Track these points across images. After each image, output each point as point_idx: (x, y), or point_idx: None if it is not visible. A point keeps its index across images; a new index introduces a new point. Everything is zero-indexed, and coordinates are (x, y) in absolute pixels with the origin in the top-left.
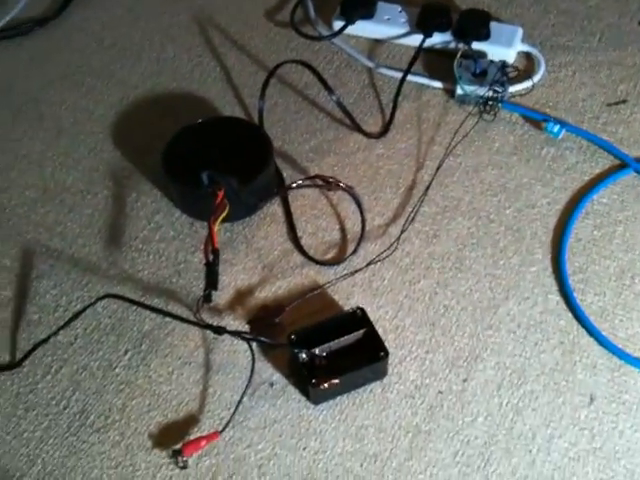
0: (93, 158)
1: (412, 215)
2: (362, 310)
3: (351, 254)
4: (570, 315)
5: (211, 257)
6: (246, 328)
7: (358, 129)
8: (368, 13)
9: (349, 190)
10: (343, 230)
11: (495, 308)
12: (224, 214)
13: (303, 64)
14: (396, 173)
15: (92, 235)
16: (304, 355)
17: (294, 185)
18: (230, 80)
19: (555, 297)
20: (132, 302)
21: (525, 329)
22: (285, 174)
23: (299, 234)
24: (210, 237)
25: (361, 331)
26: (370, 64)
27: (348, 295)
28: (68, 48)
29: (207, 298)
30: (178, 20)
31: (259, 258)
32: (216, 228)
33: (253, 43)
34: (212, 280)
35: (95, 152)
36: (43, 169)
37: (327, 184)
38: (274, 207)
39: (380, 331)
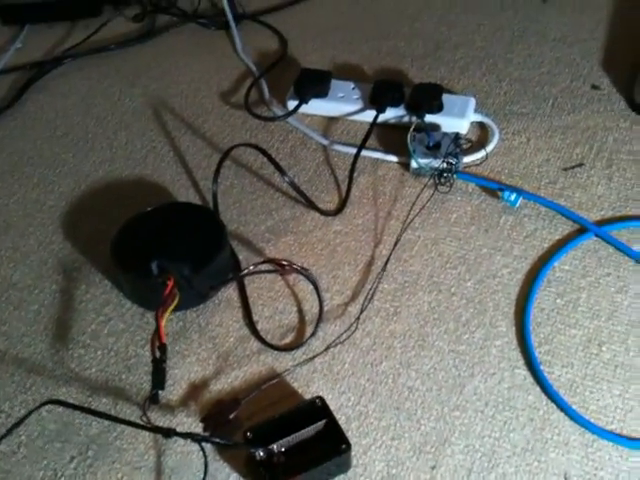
0: (42, 251)
1: (371, 293)
2: (321, 399)
3: (309, 337)
4: (538, 389)
5: (158, 353)
6: (200, 427)
7: (314, 207)
8: (322, 91)
9: (304, 272)
10: (301, 312)
11: (461, 387)
12: (174, 304)
13: (254, 147)
14: (354, 250)
15: (38, 333)
16: (261, 453)
17: (246, 271)
18: (184, 164)
19: (522, 371)
20: (75, 407)
21: (493, 407)
22: (241, 256)
23: (255, 319)
24: (157, 331)
25: (321, 422)
26: (325, 141)
27: (308, 382)
28: (21, 138)
29: (154, 399)
30: (132, 106)
31: (214, 347)
32: (164, 321)
33: (207, 126)
34: (159, 379)
35: (45, 245)
36: None
37: (282, 268)
38: (229, 292)
39: (342, 419)
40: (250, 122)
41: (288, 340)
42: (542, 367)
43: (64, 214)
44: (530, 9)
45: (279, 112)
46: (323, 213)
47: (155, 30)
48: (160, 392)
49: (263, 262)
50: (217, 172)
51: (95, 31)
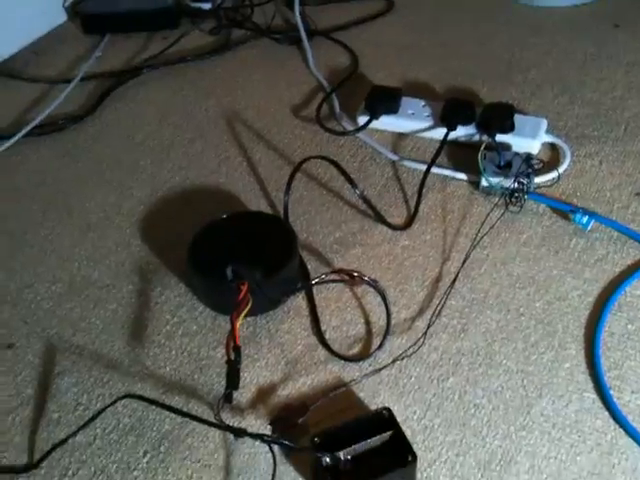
0: (120, 253)
1: (439, 308)
2: (388, 410)
3: (376, 349)
4: (607, 414)
5: (233, 355)
6: (268, 429)
7: (382, 221)
8: (392, 108)
9: (373, 284)
10: (368, 324)
11: (528, 407)
12: (247, 309)
13: (327, 160)
14: (421, 265)
15: (115, 331)
16: (328, 459)
17: (317, 280)
18: (256, 174)
19: (591, 395)
20: (151, 402)
21: (560, 430)
22: (310, 266)
23: (323, 328)
24: (232, 334)
25: (388, 433)
26: (394, 157)
27: (374, 393)
28: (100, 144)
29: (228, 398)
30: (207, 116)
31: (282, 353)
32: (239, 324)
33: (279, 138)
34: (233, 380)
35: (122, 247)
36: (70, 264)
37: (351, 278)
38: (298, 300)
39: (408, 432)
40: (320, 136)
41: (355, 351)
42: (611, 392)
43: (141, 218)
44: (602, 32)
45: (349, 127)
46: (392, 227)
47: (230, 44)
48: (233, 392)
49: (332, 272)
50: (289, 183)
51: (173, 43)
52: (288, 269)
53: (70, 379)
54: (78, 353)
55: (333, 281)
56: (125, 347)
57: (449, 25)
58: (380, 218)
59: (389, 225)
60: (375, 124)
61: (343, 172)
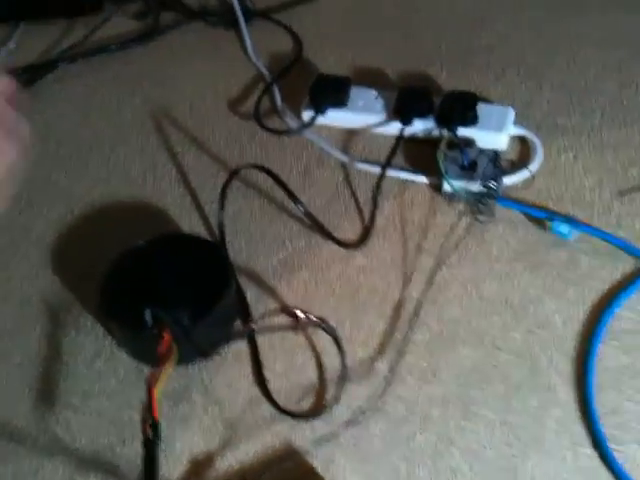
0: (26, 288)
1: (402, 345)
2: None
3: (332, 404)
4: (609, 474)
5: (150, 433)
6: None
7: (332, 239)
8: (340, 100)
9: (322, 325)
10: (320, 367)
11: (514, 471)
12: (171, 364)
13: (262, 169)
14: (380, 290)
15: (20, 391)
16: None
17: (254, 326)
18: (187, 184)
19: (586, 450)
20: None
21: None
22: (250, 295)
23: (268, 377)
24: (149, 406)
25: None
26: (344, 158)
27: (329, 460)
28: None
29: None
30: (131, 116)
31: (220, 412)
32: (158, 389)
33: (214, 140)
34: (151, 472)
35: (29, 280)
36: None
37: (295, 319)
38: (237, 342)
39: None
40: (261, 135)
41: (306, 404)
42: (610, 445)
43: (52, 244)
44: (571, 7)
45: (293, 124)
46: (343, 245)
47: (159, 29)
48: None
49: (274, 313)
50: (222, 197)
51: (93, 29)
52: (222, 307)
53: None
54: None
55: (274, 329)
56: (32, 412)
57: (403, 3)
58: (329, 236)
59: (340, 243)
60: (322, 120)
61: (282, 185)
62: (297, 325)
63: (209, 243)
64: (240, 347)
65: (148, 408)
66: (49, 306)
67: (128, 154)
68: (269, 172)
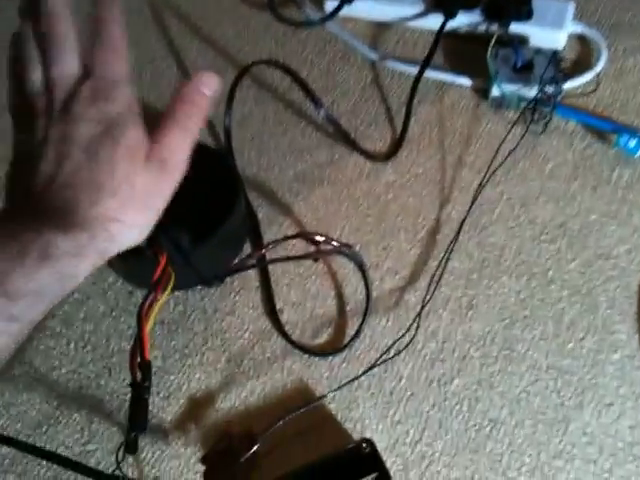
0: None
1: (437, 274)
2: (370, 444)
3: (352, 338)
4: None
5: (139, 375)
6: (199, 470)
7: (359, 150)
8: None
9: (345, 251)
10: (341, 297)
11: (565, 422)
12: (167, 291)
13: (278, 66)
14: (412, 210)
15: None
16: None
17: (265, 251)
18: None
19: None
20: (23, 449)
21: (610, 456)
22: (261, 215)
23: (279, 306)
24: (139, 342)
25: (370, 477)
26: (374, 56)
27: (350, 404)
28: None
29: (131, 447)
30: (126, 2)
31: (223, 345)
32: (150, 323)
33: (220, 31)
34: (139, 416)
35: None
36: None
37: (315, 245)
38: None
39: (397, 464)
40: (276, 27)
41: (323, 339)
42: None
43: None
44: None
45: (313, 14)
46: (371, 157)
47: None
48: (140, 433)
49: (289, 238)
50: (230, 99)
51: None
52: (229, 228)
53: None
54: None
55: (292, 258)
56: None
57: None
58: (355, 146)
59: (367, 155)
60: (348, 10)
61: (301, 84)
62: (316, 252)
63: (213, 151)
64: (249, 273)
65: (138, 345)
66: None
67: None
68: (286, 69)
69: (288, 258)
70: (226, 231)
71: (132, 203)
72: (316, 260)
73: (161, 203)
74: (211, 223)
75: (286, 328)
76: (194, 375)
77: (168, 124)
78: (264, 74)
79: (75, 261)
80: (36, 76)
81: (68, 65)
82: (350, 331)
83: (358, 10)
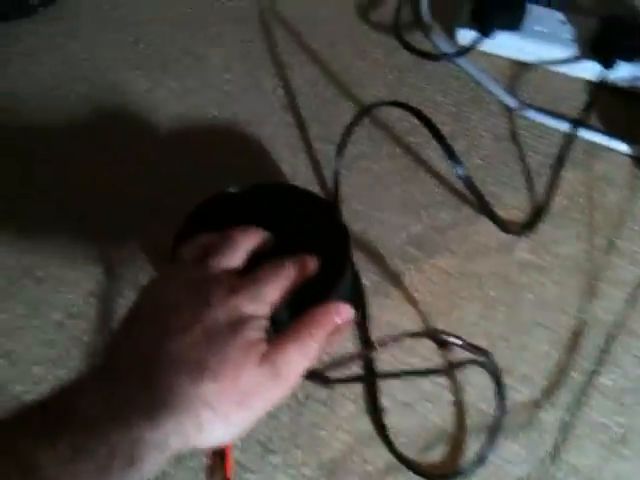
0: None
1: (581, 391)
2: None
3: (474, 464)
4: None
5: None
6: None
7: (491, 216)
8: (512, 21)
9: (482, 360)
10: (461, 406)
11: None
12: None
13: (413, 112)
14: (552, 300)
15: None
16: None
17: (374, 350)
18: (296, 110)
19: None
20: None
21: None
22: (365, 279)
23: (384, 404)
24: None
25: None
26: (511, 102)
27: None
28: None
29: None
30: (234, 9)
31: (313, 445)
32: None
33: (334, 54)
34: None
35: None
36: None
37: (442, 347)
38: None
39: None
40: (398, 55)
41: (436, 456)
42: None
43: (113, 177)
44: None
45: (444, 45)
46: (504, 227)
47: None
48: None
49: (413, 335)
50: (344, 142)
51: None
52: (334, 298)
53: None
54: None
55: (412, 373)
56: None
57: None
58: (487, 211)
59: (500, 224)
60: (484, 44)
61: (436, 133)
62: (448, 366)
63: (320, 200)
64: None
65: (219, 463)
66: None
67: (225, 59)
68: (423, 117)
69: (410, 373)
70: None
71: (231, 395)
72: (447, 375)
73: (260, 408)
74: (314, 292)
75: (390, 434)
76: (277, 477)
77: (290, 336)
78: (381, 111)
79: (158, 456)
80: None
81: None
82: (470, 451)
83: (497, 45)
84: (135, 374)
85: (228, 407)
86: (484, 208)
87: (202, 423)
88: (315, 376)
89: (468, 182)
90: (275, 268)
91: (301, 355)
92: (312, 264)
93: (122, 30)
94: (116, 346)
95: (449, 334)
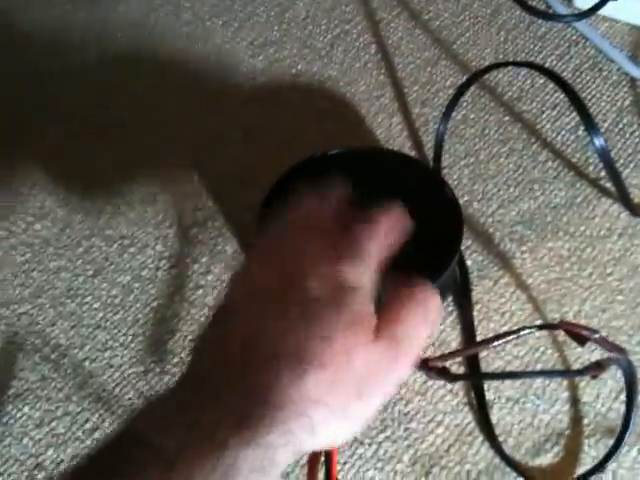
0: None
1: None
2: None
3: (591, 472)
4: None
5: None
6: None
7: (621, 196)
8: None
9: (617, 358)
10: (577, 404)
11: None
12: None
13: (545, 72)
14: None
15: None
16: None
17: (500, 341)
18: (392, 71)
19: None
20: None
21: None
22: (470, 261)
23: (489, 397)
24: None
25: None
26: (637, 72)
27: None
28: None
29: None
30: None
31: (407, 438)
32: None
33: (436, 10)
34: None
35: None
36: None
37: (580, 340)
38: (445, 336)
39: None
40: (506, 13)
41: (547, 460)
42: None
43: (193, 143)
44: None
45: (558, 6)
46: (631, 209)
47: None
48: None
49: (543, 327)
50: (450, 107)
51: None
52: (442, 281)
53: None
54: None
55: (547, 374)
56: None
57: None
58: (623, 194)
59: (628, 204)
60: (607, 8)
61: (574, 98)
62: (595, 368)
63: (423, 167)
64: (449, 340)
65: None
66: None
67: (312, 11)
68: (558, 78)
69: (537, 373)
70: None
71: (345, 385)
72: (594, 377)
73: (382, 394)
74: (419, 269)
75: (497, 431)
76: (366, 471)
77: (404, 299)
78: (489, 75)
79: (260, 477)
80: None
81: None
82: (587, 456)
83: (620, 9)
84: (223, 384)
85: (344, 399)
86: (618, 187)
87: (314, 425)
88: (432, 368)
89: (606, 157)
90: (373, 223)
91: (422, 322)
92: (406, 218)
93: None
94: (201, 350)
95: (582, 327)
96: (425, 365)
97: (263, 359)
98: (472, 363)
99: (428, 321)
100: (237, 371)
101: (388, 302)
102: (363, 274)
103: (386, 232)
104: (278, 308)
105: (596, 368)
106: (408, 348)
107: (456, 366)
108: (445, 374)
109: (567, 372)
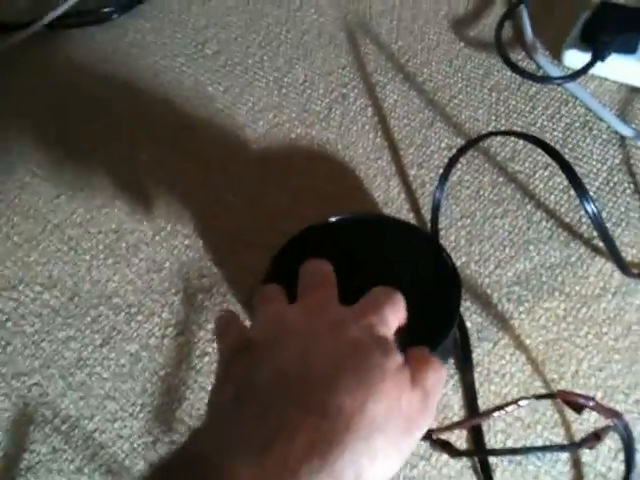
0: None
1: None
2: None
3: None
4: None
5: None
6: None
7: (614, 256)
8: (629, 44)
9: (616, 423)
10: (578, 464)
11: None
12: None
13: (535, 141)
14: None
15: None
16: None
17: (501, 412)
18: (388, 132)
19: None
20: None
21: None
22: (469, 322)
23: (493, 462)
24: None
25: None
26: (626, 130)
27: None
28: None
29: None
30: (318, 24)
31: None
32: None
33: (429, 72)
34: None
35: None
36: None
37: (576, 408)
38: (448, 399)
39: None
40: (496, 75)
41: None
42: None
43: (195, 208)
44: None
45: (549, 67)
46: (624, 269)
47: None
48: None
49: (543, 397)
50: (445, 174)
51: None
52: (442, 346)
53: None
54: None
55: (548, 449)
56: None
57: None
58: (615, 253)
59: (621, 264)
60: (597, 68)
61: (564, 165)
62: (593, 439)
63: (424, 235)
64: (452, 399)
65: None
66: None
67: (309, 76)
68: (543, 145)
69: (536, 449)
70: (437, 350)
71: (397, 418)
72: (591, 449)
73: (417, 437)
74: (420, 336)
75: None
76: None
77: (424, 360)
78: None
79: None
80: None
81: None
82: None
83: (609, 69)
84: (289, 409)
85: (398, 432)
86: (610, 247)
87: (376, 450)
88: (436, 441)
89: (598, 221)
90: (390, 294)
91: (440, 380)
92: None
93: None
94: (239, 382)
95: (578, 395)
96: (429, 437)
97: (321, 383)
98: (475, 430)
99: (443, 381)
100: (299, 397)
101: (407, 361)
102: (390, 330)
103: (401, 305)
104: (329, 341)
105: (593, 439)
106: (433, 400)
107: (458, 432)
108: (448, 448)
109: (565, 446)
